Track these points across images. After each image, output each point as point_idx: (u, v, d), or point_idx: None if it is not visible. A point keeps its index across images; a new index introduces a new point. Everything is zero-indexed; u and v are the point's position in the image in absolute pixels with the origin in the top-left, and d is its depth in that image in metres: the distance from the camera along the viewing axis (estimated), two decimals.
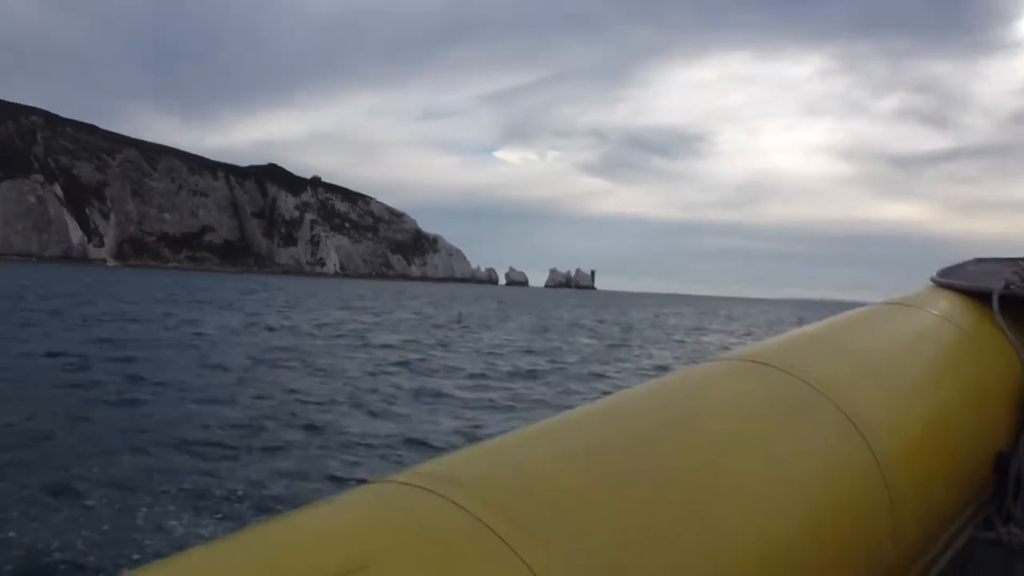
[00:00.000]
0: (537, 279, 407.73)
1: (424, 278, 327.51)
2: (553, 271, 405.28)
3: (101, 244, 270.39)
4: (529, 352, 25.86)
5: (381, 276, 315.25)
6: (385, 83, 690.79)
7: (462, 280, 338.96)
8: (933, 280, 2.63)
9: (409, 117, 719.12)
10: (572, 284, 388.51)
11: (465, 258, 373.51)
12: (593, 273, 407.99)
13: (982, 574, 1.99)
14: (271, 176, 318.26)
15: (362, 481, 1.21)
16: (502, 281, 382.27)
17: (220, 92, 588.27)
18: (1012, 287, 2.42)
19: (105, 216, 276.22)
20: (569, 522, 1.03)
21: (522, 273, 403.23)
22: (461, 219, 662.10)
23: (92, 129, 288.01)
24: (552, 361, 22.94)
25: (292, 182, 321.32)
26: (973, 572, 1.97)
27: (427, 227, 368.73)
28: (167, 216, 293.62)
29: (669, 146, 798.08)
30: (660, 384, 1.60)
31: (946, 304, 2.36)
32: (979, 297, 2.44)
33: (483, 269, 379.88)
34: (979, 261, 2.81)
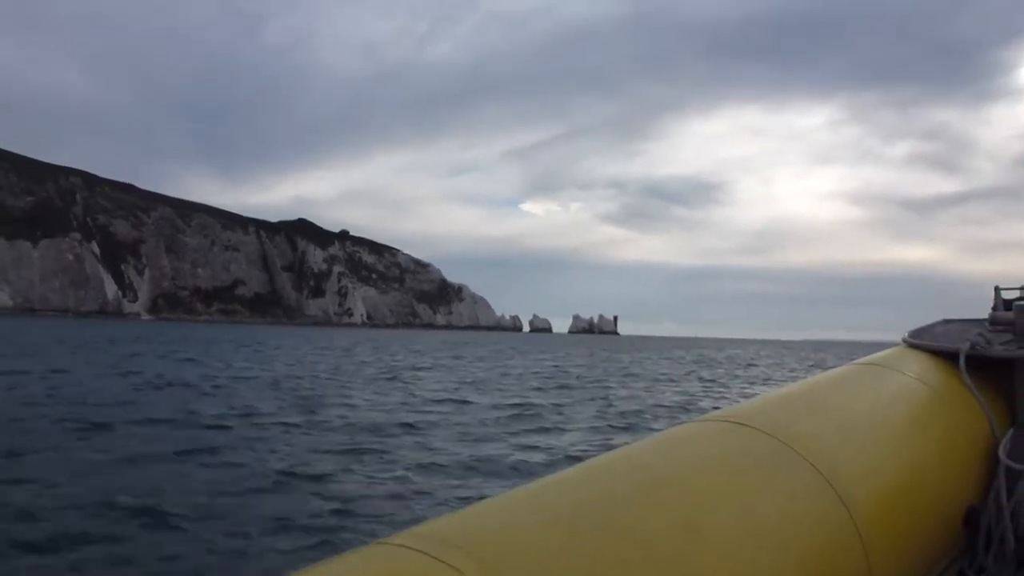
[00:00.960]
0: (560, 326, 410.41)
1: (449, 326, 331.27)
2: (576, 317, 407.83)
3: (135, 299, 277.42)
4: None
5: (407, 325, 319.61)
6: (412, 141, 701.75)
7: (487, 328, 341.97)
8: (905, 341, 2.77)
9: (436, 173, 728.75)
10: (595, 330, 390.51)
11: (490, 306, 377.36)
12: (616, 319, 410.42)
13: None
14: (300, 231, 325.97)
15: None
16: (526, 328, 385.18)
17: (255, 153, 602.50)
18: (977, 347, 2.55)
19: (140, 272, 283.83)
20: None
21: (546, 320, 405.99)
22: (486, 269, 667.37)
23: (129, 188, 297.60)
24: None
25: (321, 236, 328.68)
26: None
27: (452, 277, 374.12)
28: (200, 271, 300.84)
29: (688, 195, 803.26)
30: (641, 446, 1.64)
31: (916, 364, 2.46)
32: (947, 357, 2.55)
33: (507, 317, 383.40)
34: (947, 322, 2.99)
